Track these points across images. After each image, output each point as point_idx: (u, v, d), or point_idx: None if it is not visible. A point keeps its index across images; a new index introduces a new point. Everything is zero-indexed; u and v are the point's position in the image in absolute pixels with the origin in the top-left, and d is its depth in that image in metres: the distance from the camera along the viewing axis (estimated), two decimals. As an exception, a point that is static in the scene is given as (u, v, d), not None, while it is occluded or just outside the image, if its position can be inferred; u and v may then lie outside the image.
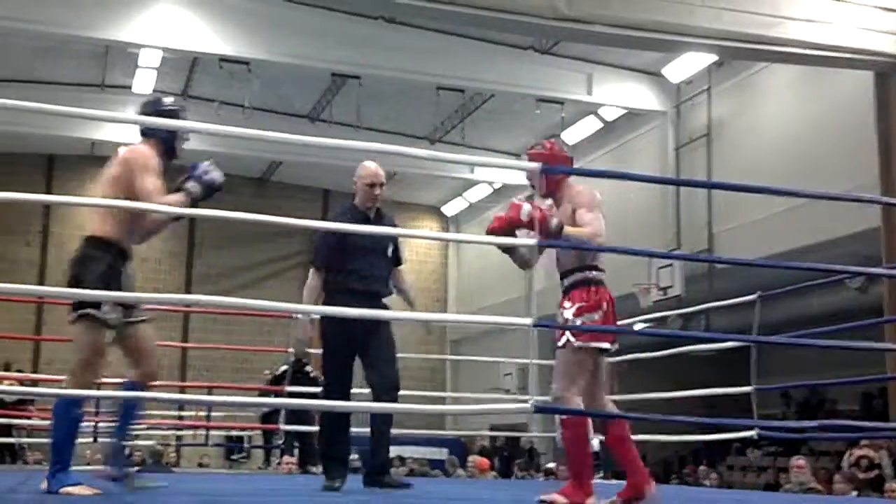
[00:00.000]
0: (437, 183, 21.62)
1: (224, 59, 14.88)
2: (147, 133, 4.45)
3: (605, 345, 4.35)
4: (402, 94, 17.09)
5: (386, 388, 5.38)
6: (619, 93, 16.17)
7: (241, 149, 17.35)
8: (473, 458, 14.51)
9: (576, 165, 18.84)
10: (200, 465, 15.61)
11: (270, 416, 12.87)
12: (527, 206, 4.37)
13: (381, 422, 5.50)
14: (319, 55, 14.91)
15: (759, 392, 7.31)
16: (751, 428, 7.23)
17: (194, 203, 4.37)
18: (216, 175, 4.45)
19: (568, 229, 4.33)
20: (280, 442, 12.38)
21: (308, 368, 12.00)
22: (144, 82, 17.06)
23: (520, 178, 20.04)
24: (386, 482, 5.52)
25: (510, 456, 16.08)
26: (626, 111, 16.98)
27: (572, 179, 4.69)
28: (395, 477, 5.48)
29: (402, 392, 5.52)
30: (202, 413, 12.76)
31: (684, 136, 15.77)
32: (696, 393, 8.21)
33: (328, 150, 16.58)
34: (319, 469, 11.69)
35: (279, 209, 15.22)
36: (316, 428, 11.11)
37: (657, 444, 12.62)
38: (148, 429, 12.80)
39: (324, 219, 20.09)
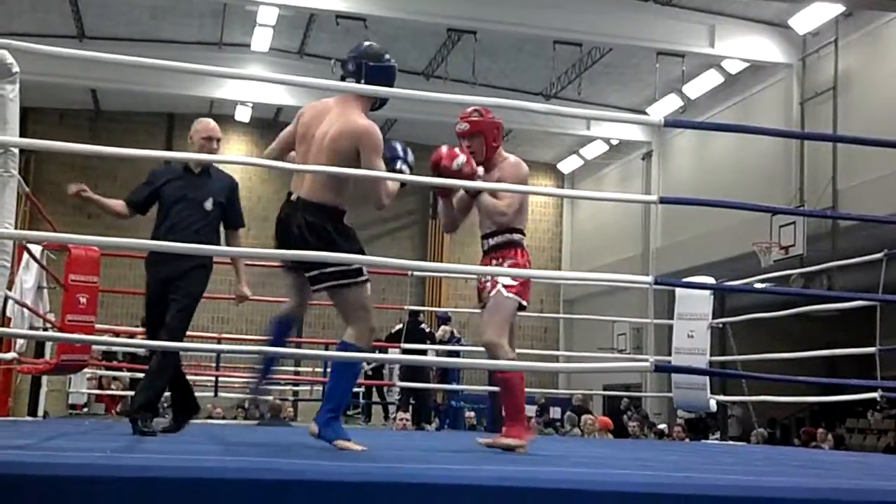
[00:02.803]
0: (552, 140, 21.39)
1: (340, 16, 14.97)
2: (365, 87, 4.16)
3: (525, 302, 4.66)
4: (517, 48, 16.91)
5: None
6: (742, 45, 15.65)
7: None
8: (588, 417, 14.45)
9: (697, 120, 18.34)
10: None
11: (377, 373, 13.09)
12: (462, 158, 4.54)
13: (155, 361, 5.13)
14: (435, 10, 14.88)
15: (883, 353, 7.03)
16: (874, 389, 7.01)
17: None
18: (410, 156, 4.45)
19: (483, 197, 4.59)
20: (397, 398, 12.55)
21: (423, 326, 12.11)
22: (262, 40, 17.30)
23: (637, 135, 19.71)
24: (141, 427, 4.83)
25: (623, 415, 15.94)
26: (749, 64, 16.43)
27: (507, 152, 4.82)
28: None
29: (518, 350, 5.37)
30: (318, 369, 13.03)
31: (810, 90, 15.18)
32: (818, 354, 7.95)
33: (443, 107, 16.56)
34: (434, 426, 11.92)
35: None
36: (431, 385, 11.37)
37: (774, 404, 12.34)
38: (267, 384, 13.17)
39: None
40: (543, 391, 16.11)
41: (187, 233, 5.03)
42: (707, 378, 8.24)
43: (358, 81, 4.23)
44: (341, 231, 4.08)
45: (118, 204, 5.33)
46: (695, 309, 8.25)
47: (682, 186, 17.70)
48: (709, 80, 17.36)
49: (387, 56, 4.33)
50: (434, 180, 4.55)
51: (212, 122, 5.35)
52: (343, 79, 4.30)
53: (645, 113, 18.08)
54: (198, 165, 5.24)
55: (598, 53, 16.90)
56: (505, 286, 4.54)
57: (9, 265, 3.96)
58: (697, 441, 11.05)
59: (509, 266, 4.60)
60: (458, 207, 4.87)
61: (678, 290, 8.36)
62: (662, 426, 13.27)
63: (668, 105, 18.07)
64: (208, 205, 5.21)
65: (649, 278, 4.23)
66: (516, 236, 4.69)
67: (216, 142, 5.31)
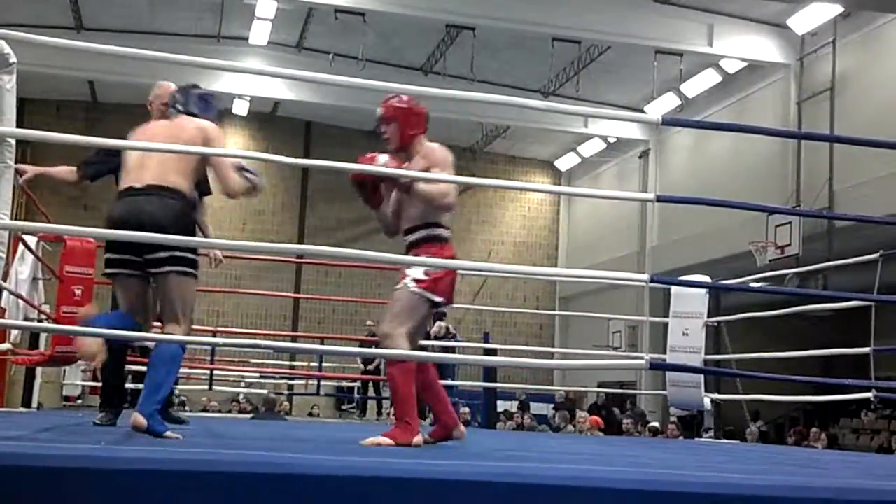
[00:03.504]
0: (550, 137, 21.40)
1: (339, 10, 14.96)
2: (193, 114, 4.48)
3: (440, 299, 4.48)
4: (516, 45, 16.90)
5: None
6: (740, 44, 15.68)
7: (355, 101, 17.50)
8: (582, 415, 14.48)
9: (695, 119, 18.27)
10: (310, 414, 15.97)
11: (374, 368, 13.12)
12: (382, 158, 4.51)
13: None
14: (435, 6, 14.89)
15: (878, 353, 7.04)
16: (868, 389, 7.02)
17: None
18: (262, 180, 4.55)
19: (418, 185, 4.44)
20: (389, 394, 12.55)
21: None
22: (260, 34, 17.29)
23: (635, 133, 19.73)
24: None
25: (618, 413, 15.96)
26: (747, 64, 16.45)
27: (427, 138, 4.68)
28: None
29: (510, 346, 5.40)
30: (314, 364, 13.04)
31: (807, 90, 15.21)
32: (812, 353, 7.96)
33: (441, 103, 16.55)
34: (428, 421, 11.93)
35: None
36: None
37: (769, 403, 12.37)
38: (262, 377, 13.19)
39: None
40: (538, 388, 16.16)
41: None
42: (702, 376, 8.25)
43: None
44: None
45: (65, 170, 5.29)
46: (690, 307, 8.25)
47: (678, 185, 17.73)
48: (707, 79, 17.38)
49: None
50: (385, 170, 4.49)
51: (173, 86, 5.06)
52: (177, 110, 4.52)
53: (642, 111, 18.10)
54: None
55: (596, 51, 16.91)
56: (415, 280, 4.41)
57: (4, 256, 3.95)
58: (691, 439, 11.09)
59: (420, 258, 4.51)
60: (393, 209, 4.73)
61: (674, 289, 8.37)
62: (656, 423, 13.28)
63: (665, 104, 18.09)
64: None
65: (646, 276, 4.22)
66: (438, 231, 4.56)
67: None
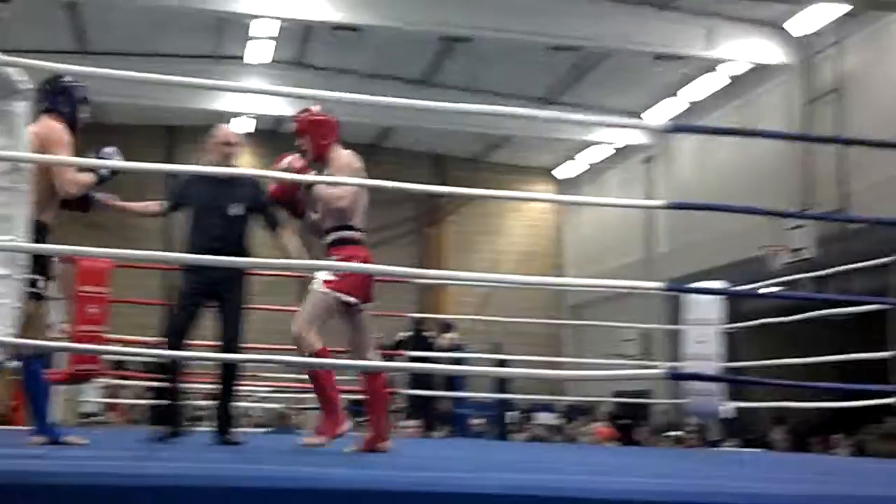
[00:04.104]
0: (552, 145, 21.27)
1: (336, 27, 14.92)
2: (51, 108, 4.61)
3: (351, 298, 4.74)
4: (514, 55, 16.77)
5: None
6: (742, 47, 15.55)
7: (354, 115, 17.48)
8: (594, 426, 14.37)
9: (698, 123, 18.07)
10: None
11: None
12: (287, 159, 4.95)
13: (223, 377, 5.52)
14: (430, 18, 14.82)
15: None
16: (889, 394, 6.89)
17: (101, 184, 4.69)
18: (119, 161, 4.67)
19: (319, 189, 4.79)
20: (402, 406, 12.48)
21: (426, 334, 12.02)
22: (260, 52, 17.25)
23: (638, 138, 19.60)
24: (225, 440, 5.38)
25: (633, 423, 15.82)
26: (750, 66, 16.32)
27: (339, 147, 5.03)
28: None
29: (520, 357, 5.45)
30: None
31: (813, 91, 15.08)
32: (830, 359, 7.84)
33: (441, 115, 16.53)
34: (443, 433, 11.83)
35: (391, 175, 15.18)
36: (439, 392, 11.31)
37: (790, 410, 12.18)
38: (274, 391, 13.08)
39: (443, 183, 20.09)
40: (548, 398, 16.03)
41: (215, 240, 5.21)
42: (720, 384, 8.12)
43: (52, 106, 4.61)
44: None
45: (154, 205, 5.63)
46: (705, 314, 8.14)
47: (685, 190, 17.56)
48: (709, 82, 17.25)
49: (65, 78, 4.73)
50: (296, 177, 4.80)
51: (227, 128, 5.66)
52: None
53: (644, 117, 18.01)
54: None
55: (595, 58, 16.81)
56: (324, 280, 4.70)
57: (25, 277, 4.05)
58: (711, 447, 10.96)
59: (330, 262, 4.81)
60: (313, 210, 5.03)
61: (688, 296, 8.25)
62: (676, 433, 13.15)
63: (668, 108, 17.99)
64: (234, 210, 5.37)
65: (660, 284, 4.20)
66: (351, 233, 4.87)
67: (233, 146, 5.57)
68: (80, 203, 4.87)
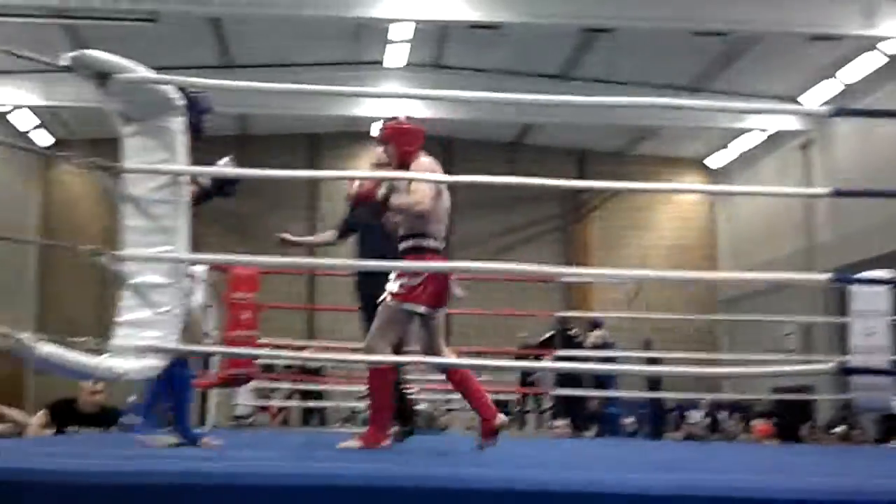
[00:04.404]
0: (701, 134, 20.65)
1: (475, 26, 14.86)
2: None
3: (421, 308, 4.72)
4: (657, 43, 16.31)
5: None
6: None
7: (493, 113, 17.38)
8: (753, 423, 13.85)
9: (857, 106, 17.22)
10: (469, 428, 15.80)
11: (526, 380, 12.87)
12: (356, 183, 5.45)
13: None
14: (569, 11, 14.54)
15: None
16: None
17: (207, 197, 4.72)
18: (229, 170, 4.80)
19: (395, 198, 4.84)
20: (549, 406, 12.32)
21: (572, 332, 11.81)
22: (396, 56, 17.34)
23: (792, 124, 18.80)
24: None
25: (795, 419, 15.15)
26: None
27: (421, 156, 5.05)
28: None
29: (672, 355, 5.31)
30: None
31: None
32: None
33: (582, 109, 16.26)
34: (593, 432, 11.61)
35: (533, 172, 15.03)
36: (589, 392, 11.11)
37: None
38: (421, 392, 13.15)
39: (581, 177, 19.78)
40: (714, 396, 15.62)
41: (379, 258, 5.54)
42: (891, 378, 7.75)
43: None
44: None
45: (329, 235, 6.30)
46: (873, 305, 7.78)
47: (845, 176, 16.68)
48: (868, 62, 16.34)
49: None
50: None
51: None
52: None
53: (799, 102, 17.26)
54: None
55: (745, 42, 16.17)
56: (392, 293, 4.72)
57: (190, 286, 4.41)
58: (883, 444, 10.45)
59: (397, 274, 4.78)
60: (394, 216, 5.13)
61: (854, 287, 7.88)
62: (841, 429, 12.53)
63: (824, 91, 17.18)
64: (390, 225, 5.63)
65: (824, 276, 3.96)
66: (423, 241, 4.84)
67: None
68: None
